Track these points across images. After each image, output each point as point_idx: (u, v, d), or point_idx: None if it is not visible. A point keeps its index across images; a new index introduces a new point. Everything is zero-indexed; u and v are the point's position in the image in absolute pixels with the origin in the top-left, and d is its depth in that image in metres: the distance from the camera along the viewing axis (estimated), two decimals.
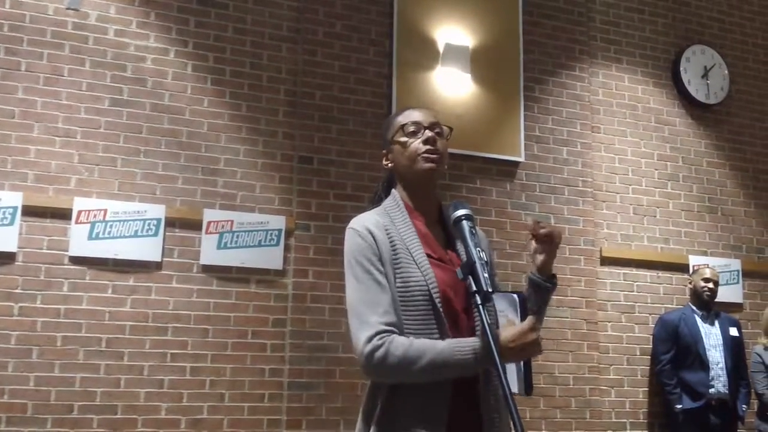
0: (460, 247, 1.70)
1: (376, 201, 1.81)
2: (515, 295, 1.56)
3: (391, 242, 1.61)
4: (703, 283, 4.59)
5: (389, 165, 1.77)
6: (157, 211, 3.91)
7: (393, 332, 1.53)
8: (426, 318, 1.55)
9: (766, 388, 4.52)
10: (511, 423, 1.35)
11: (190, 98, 4.11)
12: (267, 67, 4.29)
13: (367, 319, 1.53)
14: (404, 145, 1.72)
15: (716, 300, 4.68)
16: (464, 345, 1.50)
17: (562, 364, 4.52)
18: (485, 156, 4.60)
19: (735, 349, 4.54)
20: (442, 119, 1.79)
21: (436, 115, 1.78)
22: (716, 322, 4.58)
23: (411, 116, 1.75)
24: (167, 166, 4.00)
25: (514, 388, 1.53)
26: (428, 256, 1.63)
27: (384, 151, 1.79)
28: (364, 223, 1.65)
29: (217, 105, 4.16)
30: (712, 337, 4.52)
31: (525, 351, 1.49)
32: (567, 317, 4.57)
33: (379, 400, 1.57)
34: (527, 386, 1.54)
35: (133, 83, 4.02)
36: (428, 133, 1.71)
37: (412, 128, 1.72)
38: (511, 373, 1.55)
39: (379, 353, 1.49)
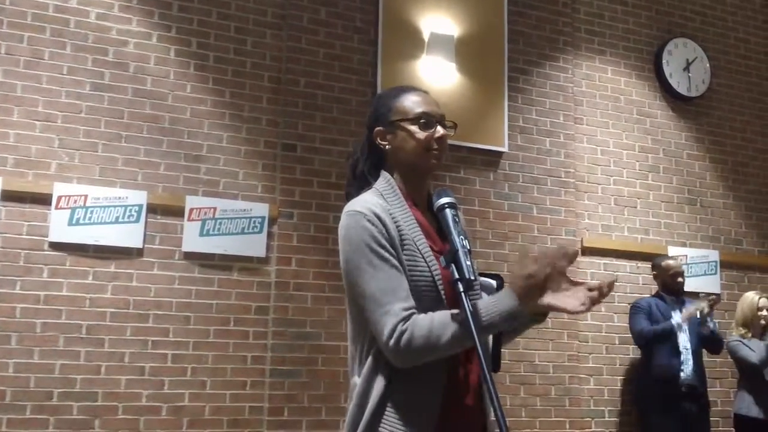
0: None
1: (359, 178, 1.71)
2: (493, 281, 1.62)
3: (398, 228, 1.55)
4: (671, 280, 4.59)
5: (387, 147, 1.68)
6: (139, 197, 3.88)
7: (414, 314, 1.48)
8: (430, 310, 1.51)
9: None
10: (492, 410, 1.35)
11: (172, 84, 4.08)
12: (251, 53, 4.26)
13: (390, 307, 1.47)
14: (412, 134, 1.64)
15: (694, 290, 4.75)
16: (482, 310, 1.47)
17: (543, 352, 4.56)
18: (469, 146, 4.61)
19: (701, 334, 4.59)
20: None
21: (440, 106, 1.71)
22: (684, 308, 4.63)
23: (423, 105, 1.67)
24: (149, 152, 3.97)
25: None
26: (430, 248, 1.58)
27: (380, 129, 1.68)
28: (369, 206, 1.55)
29: (200, 91, 4.13)
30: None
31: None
32: None
33: (369, 399, 1.52)
34: (495, 364, 1.63)
35: (115, 68, 3.98)
36: (441, 131, 1.65)
37: (424, 120, 1.64)
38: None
39: (405, 338, 1.45)
